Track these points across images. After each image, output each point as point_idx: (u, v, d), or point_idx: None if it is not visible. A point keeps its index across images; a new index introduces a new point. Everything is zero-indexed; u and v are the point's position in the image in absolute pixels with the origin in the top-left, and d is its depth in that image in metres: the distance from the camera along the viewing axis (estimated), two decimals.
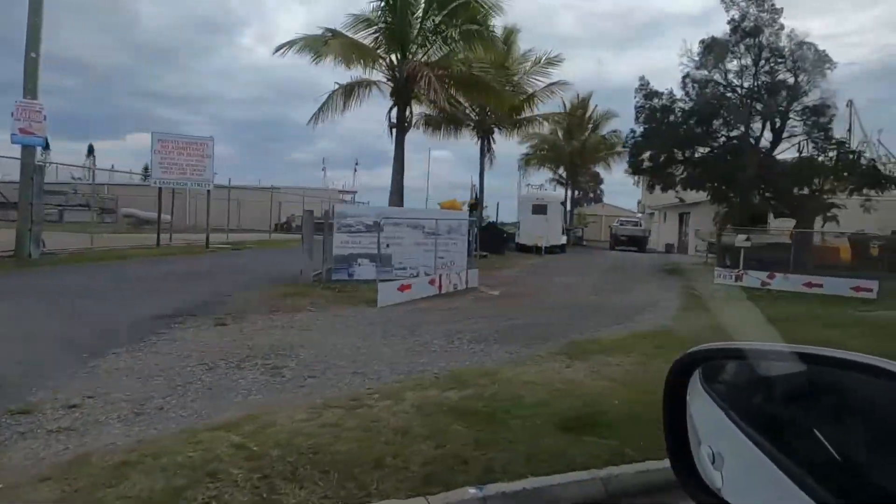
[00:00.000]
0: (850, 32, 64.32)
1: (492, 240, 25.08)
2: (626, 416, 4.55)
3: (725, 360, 1.26)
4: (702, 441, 1.17)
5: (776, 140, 17.63)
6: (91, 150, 64.48)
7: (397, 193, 13.86)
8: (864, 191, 20.62)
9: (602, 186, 63.56)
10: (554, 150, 39.94)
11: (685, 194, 23.24)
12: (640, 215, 43.89)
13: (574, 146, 39.10)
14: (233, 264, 15.24)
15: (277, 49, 13.95)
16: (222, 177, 42.60)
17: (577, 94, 38.47)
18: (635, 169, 20.61)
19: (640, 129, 19.73)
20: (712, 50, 17.46)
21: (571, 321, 9.25)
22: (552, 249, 27.57)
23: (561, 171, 42.48)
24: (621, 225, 36.51)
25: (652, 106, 19.41)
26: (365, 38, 13.89)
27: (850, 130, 53.45)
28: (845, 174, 18.99)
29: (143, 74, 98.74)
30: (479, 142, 28.80)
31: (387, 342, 7.14)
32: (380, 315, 9.06)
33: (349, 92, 14.39)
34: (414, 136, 29.59)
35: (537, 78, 28.02)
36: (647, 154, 20.03)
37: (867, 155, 19.13)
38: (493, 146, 30.27)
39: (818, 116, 17.24)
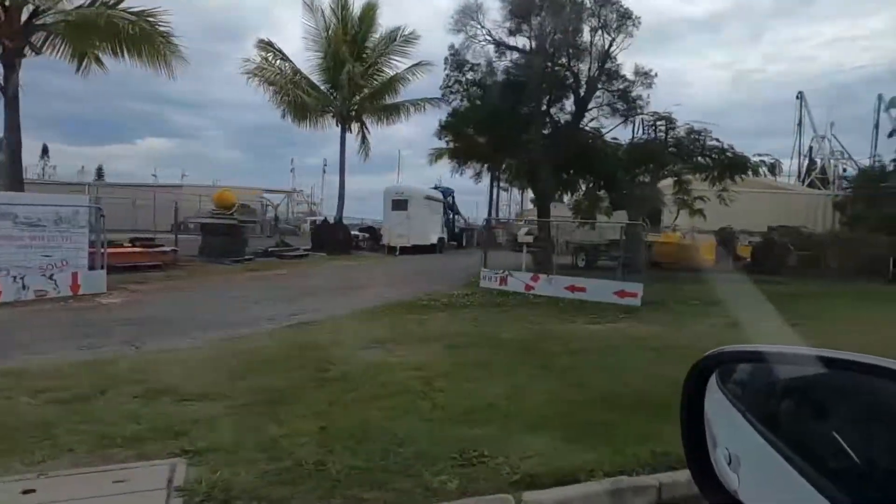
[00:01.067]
0: (863, 36, 61.65)
1: (328, 238, 22.32)
2: None
3: (744, 363, 1.25)
4: (718, 442, 1.19)
5: (579, 114, 14.61)
6: None
7: (10, 177, 10.97)
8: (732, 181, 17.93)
9: None
10: None
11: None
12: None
13: None
14: None
15: None
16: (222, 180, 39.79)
17: None
18: (452, 155, 17.55)
19: (453, 109, 16.77)
20: (512, 8, 14.48)
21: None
22: (418, 249, 24.61)
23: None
24: (527, 224, 33.52)
25: (468, 80, 16.49)
26: None
27: (800, 125, 50.37)
28: (686, 158, 16.13)
29: (154, 79, 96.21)
30: (341, 131, 25.97)
31: None
32: None
33: None
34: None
35: (396, 58, 25.31)
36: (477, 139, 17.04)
37: (714, 139, 16.12)
38: (368, 136, 27.60)
39: (615, 81, 14.27)
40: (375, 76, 25.63)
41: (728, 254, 18.32)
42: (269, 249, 19.27)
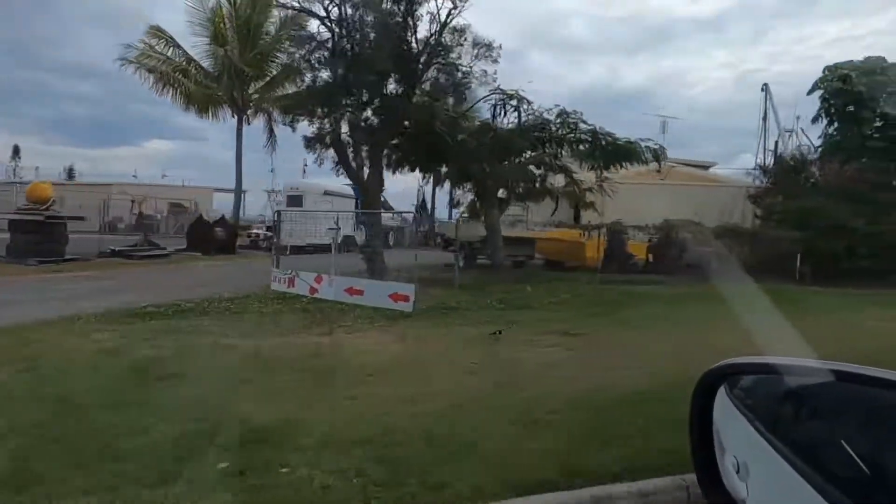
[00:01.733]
0: (866, 35, 59.90)
1: (206, 237, 20.52)
2: None
3: (753, 374, 1.25)
4: (727, 451, 1.19)
5: (410, 88, 12.75)
6: None
7: None
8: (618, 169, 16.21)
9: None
10: None
11: None
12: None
13: None
14: None
15: None
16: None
17: None
18: (308, 144, 15.65)
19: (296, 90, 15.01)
20: None
21: None
22: (317, 248, 22.76)
23: None
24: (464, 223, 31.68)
25: (311, 57, 14.67)
26: None
27: (765, 119, 48.57)
28: (552, 143, 14.42)
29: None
30: (237, 122, 24.32)
31: None
32: None
33: None
34: None
35: (291, 45, 23.54)
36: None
37: (584, 122, 14.43)
38: (276, 129, 25.93)
39: (447, 53, 12.44)
40: (271, 62, 23.97)
41: (618, 251, 16.54)
42: (119, 249, 17.52)
